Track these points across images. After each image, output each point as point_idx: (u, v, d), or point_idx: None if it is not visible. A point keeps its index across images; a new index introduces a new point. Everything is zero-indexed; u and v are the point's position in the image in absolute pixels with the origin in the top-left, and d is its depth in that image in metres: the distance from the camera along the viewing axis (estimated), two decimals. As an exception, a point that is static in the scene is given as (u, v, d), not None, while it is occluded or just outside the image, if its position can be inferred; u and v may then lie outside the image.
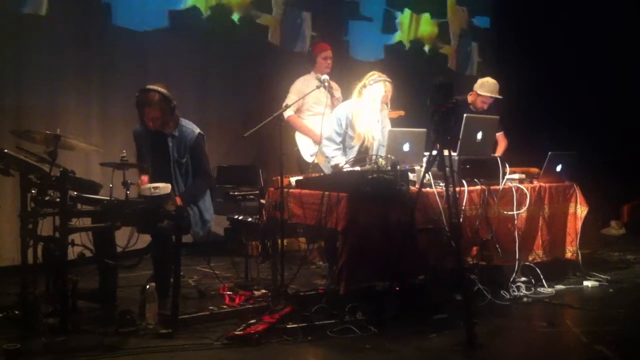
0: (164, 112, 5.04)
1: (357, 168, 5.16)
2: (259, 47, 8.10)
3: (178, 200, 4.89)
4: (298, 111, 6.91)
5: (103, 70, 6.93)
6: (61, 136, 4.51)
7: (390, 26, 9.39)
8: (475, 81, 7.15)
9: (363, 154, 5.65)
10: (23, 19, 6.38)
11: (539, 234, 5.87)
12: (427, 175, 4.90)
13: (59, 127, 4.63)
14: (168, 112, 5.06)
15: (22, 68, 6.38)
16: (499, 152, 7.12)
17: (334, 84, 6.94)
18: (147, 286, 4.56)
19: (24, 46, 6.37)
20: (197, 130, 5.24)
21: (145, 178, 5.00)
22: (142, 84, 5.16)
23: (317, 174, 5.87)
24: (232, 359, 4.08)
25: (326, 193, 4.97)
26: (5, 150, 4.40)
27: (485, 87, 6.88)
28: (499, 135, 7.13)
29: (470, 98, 6.99)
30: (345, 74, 7.35)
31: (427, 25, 9.80)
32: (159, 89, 5.04)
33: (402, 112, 6.78)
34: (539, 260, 5.83)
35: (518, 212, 5.62)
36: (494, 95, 6.87)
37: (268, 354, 4.14)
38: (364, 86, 5.71)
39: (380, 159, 5.09)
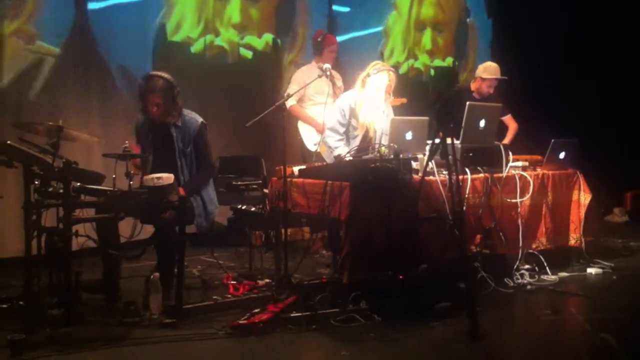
0: (167, 98, 5.00)
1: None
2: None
3: (181, 191, 4.89)
4: (300, 100, 6.91)
5: (103, 61, 6.92)
6: (63, 127, 4.50)
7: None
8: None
9: (366, 144, 5.64)
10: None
11: (543, 221, 5.87)
12: (430, 163, 4.89)
13: (61, 119, 4.63)
14: (171, 99, 5.01)
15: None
16: (510, 134, 7.09)
17: (335, 73, 6.92)
18: (151, 277, 4.58)
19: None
20: (200, 119, 5.22)
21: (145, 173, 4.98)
22: (143, 75, 5.15)
23: (320, 164, 5.86)
24: (236, 348, 4.10)
25: (329, 182, 4.97)
26: (8, 142, 4.40)
27: (489, 71, 6.87)
28: (507, 119, 7.12)
29: (473, 85, 6.97)
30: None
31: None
32: (163, 74, 5.03)
33: (404, 100, 6.78)
34: (542, 248, 5.83)
35: (521, 199, 5.62)
36: (499, 77, 6.85)
37: (272, 343, 4.15)
38: (368, 75, 5.66)
39: (382, 148, 5.08)
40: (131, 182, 4.59)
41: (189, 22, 7.55)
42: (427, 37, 9.76)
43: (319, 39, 7.10)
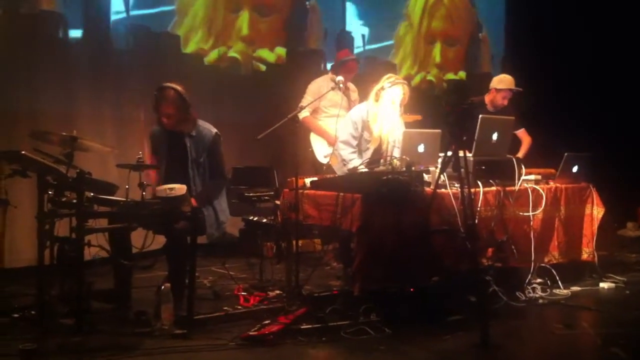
0: (179, 109, 5.06)
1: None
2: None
3: (193, 202, 4.91)
4: (314, 112, 6.93)
5: (118, 72, 6.96)
6: (77, 138, 4.54)
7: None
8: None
9: (379, 156, 5.64)
10: (37, 21, 6.44)
11: (555, 235, 5.83)
12: (442, 176, 4.89)
13: (76, 129, 4.66)
14: (183, 110, 5.08)
15: (38, 71, 6.42)
16: (524, 148, 7.01)
17: (351, 85, 6.95)
18: (163, 287, 4.58)
19: (38, 49, 6.43)
20: (214, 130, 5.27)
21: (152, 173, 5.00)
22: (157, 86, 5.19)
23: (331, 175, 5.86)
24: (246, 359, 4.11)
25: (341, 194, 4.97)
26: (23, 152, 4.44)
27: (504, 82, 6.82)
28: (521, 132, 7.04)
29: (487, 98, 6.91)
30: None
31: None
32: (175, 86, 5.08)
33: (418, 117, 6.76)
34: (554, 262, 5.79)
35: (534, 213, 5.59)
36: (513, 88, 6.82)
37: (282, 354, 4.15)
38: (382, 89, 5.64)
39: (395, 160, 5.08)
40: (144, 193, 4.62)
41: (199, 34, 7.60)
42: (436, 51, 9.75)
43: (340, 62, 7.08)
